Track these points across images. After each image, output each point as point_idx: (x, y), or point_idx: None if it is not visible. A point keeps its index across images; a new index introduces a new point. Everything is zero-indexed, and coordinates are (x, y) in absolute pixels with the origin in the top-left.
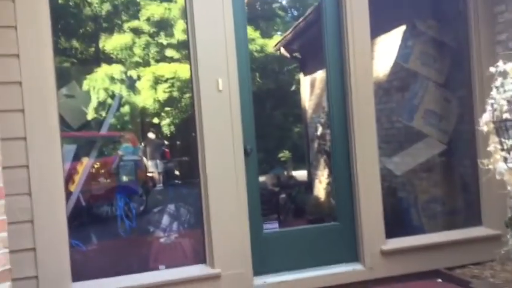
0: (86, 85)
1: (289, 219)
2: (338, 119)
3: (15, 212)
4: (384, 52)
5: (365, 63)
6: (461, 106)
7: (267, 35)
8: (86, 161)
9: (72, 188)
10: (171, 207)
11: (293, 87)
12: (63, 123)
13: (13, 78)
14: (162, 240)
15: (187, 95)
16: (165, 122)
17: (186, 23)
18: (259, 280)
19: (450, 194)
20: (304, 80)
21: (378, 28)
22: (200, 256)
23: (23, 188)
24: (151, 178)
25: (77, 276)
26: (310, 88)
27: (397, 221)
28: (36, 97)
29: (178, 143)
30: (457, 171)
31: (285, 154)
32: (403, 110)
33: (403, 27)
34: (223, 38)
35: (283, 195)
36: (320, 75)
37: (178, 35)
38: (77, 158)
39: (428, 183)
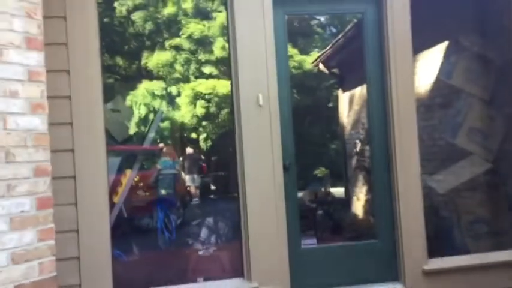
0: (128, 100)
1: (327, 236)
2: (378, 135)
3: (61, 221)
4: (426, 68)
5: (407, 80)
6: (506, 124)
7: (304, 51)
8: (129, 173)
9: (116, 199)
10: (210, 220)
11: (331, 104)
12: (108, 137)
13: (63, 92)
14: (200, 252)
15: (225, 111)
16: (203, 136)
17: (228, 39)
18: None
19: (495, 213)
20: (343, 96)
21: (420, 44)
22: (238, 270)
23: (70, 199)
24: (189, 192)
25: (118, 286)
26: (348, 104)
27: (440, 241)
28: (84, 111)
29: (215, 157)
30: (503, 190)
31: (322, 170)
32: (446, 128)
33: (446, 43)
34: (264, 53)
35: (320, 212)
36: (359, 91)
37: (217, 52)
38: (120, 170)
39: (472, 202)
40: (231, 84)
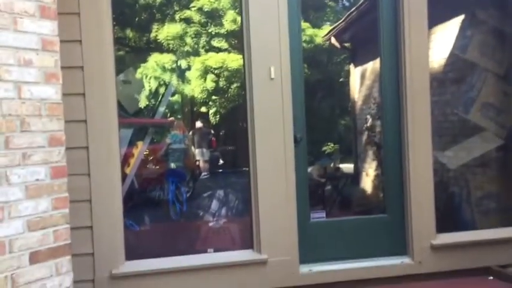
0: (138, 73)
1: (336, 211)
2: (391, 110)
3: (74, 191)
4: (441, 42)
5: (421, 54)
6: None
7: (316, 25)
8: (140, 145)
9: (128, 170)
10: (220, 193)
11: (342, 78)
12: (120, 109)
13: (75, 63)
14: (210, 224)
15: (235, 85)
16: (213, 111)
17: (240, 11)
18: (305, 268)
19: (506, 190)
20: (355, 71)
21: (436, 17)
22: (247, 242)
23: (83, 169)
24: (198, 166)
25: (130, 254)
26: (360, 79)
27: (449, 216)
28: (97, 82)
29: (225, 132)
30: None
31: (332, 146)
32: (459, 103)
33: (461, 17)
34: (277, 26)
35: (329, 187)
36: (371, 66)
37: (228, 25)
38: (132, 142)
39: (482, 178)
40: (243, 56)
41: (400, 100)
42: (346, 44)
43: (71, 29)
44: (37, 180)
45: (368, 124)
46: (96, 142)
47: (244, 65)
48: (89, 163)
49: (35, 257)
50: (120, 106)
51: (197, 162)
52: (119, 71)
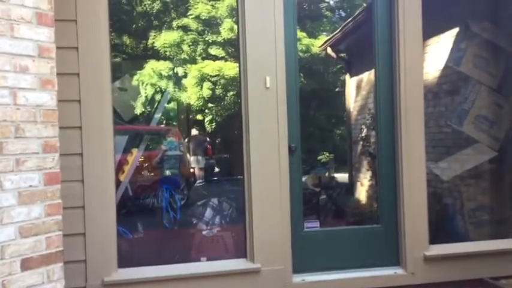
0: (135, 80)
1: (330, 220)
2: (385, 121)
3: (68, 197)
4: (435, 54)
5: (416, 65)
6: None
7: (313, 35)
8: (135, 152)
9: (122, 177)
10: (214, 201)
11: (338, 88)
12: (116, 115)
13: (71, 70)
14: (204, 233)
15: (231, 93)
16: (209, 118)
17: (237, 20)
18: (298, 278)
19: (498, 202)
20: (350, 81)
21: (430, 29)
22: (241, 251)
23: (77, 175)
24: (193, 173)
25: (123, 262)
26: (355, 89)
27: (442, 227)
28: (92, 89)
29: (221, 140)
30: (507, 179)
31: (326, 155)
32: (452, 114)
33: (456, 29)
34: (273, 36)
35: (323, 196)
36: (367, 76)
37: (225, 33)
38: (127, 149)
39: (475, 190)
40: (239, 65)
41: (395, 111)
42: (342, 54)
43: (68, 36)
44: (30, 186)
45: (363, 134)
46: (91, 149)
47: (240, 74)
48: (83, 170)
49: (27, 264)
50: (116, 113)
51: (192, 170)
52: (115, 77)
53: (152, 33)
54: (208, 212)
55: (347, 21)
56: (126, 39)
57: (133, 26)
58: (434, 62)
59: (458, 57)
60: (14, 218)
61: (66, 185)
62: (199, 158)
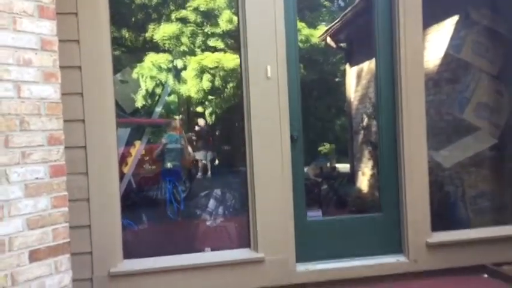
0: (135, 73)
1: (332, 210)
2: (386, 110)
3: (73, 190)
4: (436, 42)
5: (416, 53)
6: None
7: (312, 25)
8: (138, 144)
9: (126, 169)
10: (217, 192)
11: (338, 78)
12: (118, 108)
13: (73, 63)
14: (208, 223)
15: (231, 84)
16: (209, 110)
17: (237, 11)
18: (302, 266)
19: (499, 189)
20: (350, 71)
21: (430, 17)
22: (245, 241)
23: (81, 168)
24: (196, 165)
25: (128, 253)
26: (356, 79)
27: (444, 215)
28: (94, 81)
29: (222, 131)
30: (508, 166)
31: (327, 146)
32: (453, 102)
33: (456, 17)
34: (273, 25)
35: (325, 186)
36: (367, 65)
37: (224, 25)
38: (129, 141)
39: (477, 177)
40: (240, 56)
41: (396, 99)
42: (342, 44)
43: (69, 29)
44: (36, 178)
45: (364, 124)
46: (94, 141)
47: (240, 64)
48: (87, 162)
49: (35, 255)
50: (118, 105)
51: (194, 162)
52: (116, 70)
53: (151, 26)
54: (212, 203)
55: (346, 11)
56: (125, 33)
57: (133, 19)
58: (434, 50)
59: (458, 45)
60: (21, 210)
61: (71, 178)
62: (201, 150)
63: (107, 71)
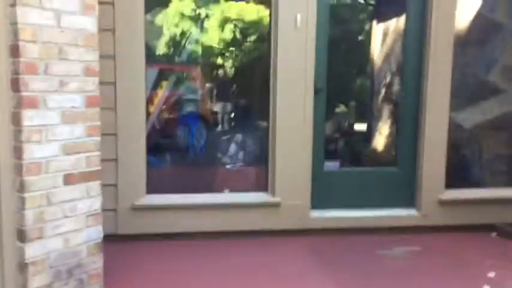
0: (159, 19)
1: (348, 164)
2: (412, 68)
3: (102, 124)
4: (468, 1)
5: (448, 13)
6: None
7: None
8: (165, 84)
9: (152, 109)
10: (238, 137)
11: (364, 35)
12: (146, 49)
13: None
14: (228, 167)
15: (256, 36)
16: (232, 61)
17: None
18: (316, 213)
19: None
20: (377, 28)
21: None
22: (262, 185)
23: (109, 103)
24: (216, 113)
25: (151, 189)
26: (382, 37)
27: (459, 174)
28: (126, 18)
29: (245, 82)
30: None
31: (348, 103)
32: (480, 63)
33: None
34: None
35: (342, 142)
36: (395, 23)
37: None
38: (158, 82)
39: (495, 139)
40: (270, 3)
41: (422, 58)
42: (371, 1)
43: None
44: (73, 107)
45: (386, 81)
46: (124, 78)
47: (270, 12)
48: (116, 98)
49: (69, 179)
50: (147, 46)
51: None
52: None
53: None
54: (233, 148)
55: None
56: None
57: None
58: (466, 9)
59: (493, 5)
60: (58, 135)
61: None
62: (223, 100)
63: (138, 9)
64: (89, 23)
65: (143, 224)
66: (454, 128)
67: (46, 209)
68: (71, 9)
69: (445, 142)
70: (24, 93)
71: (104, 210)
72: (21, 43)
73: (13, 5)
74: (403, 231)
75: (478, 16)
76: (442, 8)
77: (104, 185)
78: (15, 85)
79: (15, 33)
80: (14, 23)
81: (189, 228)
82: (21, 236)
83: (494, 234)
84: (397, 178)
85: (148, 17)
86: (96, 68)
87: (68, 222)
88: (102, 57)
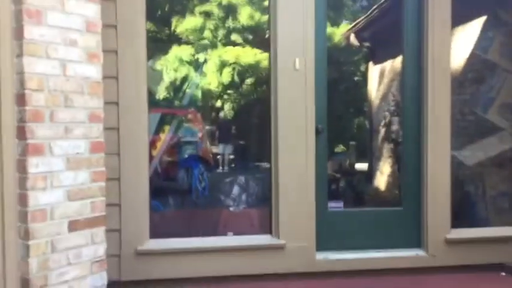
0: (159, 65)
1: (351, 204)
2: (411, 107)
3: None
4: (463, 42)
5: (444, 52)
6: None
7: (335, 23)
8: (167, 129)
9: (154, 153)
10: (241, 179)
11: (360, 76)
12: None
13: (110, 47)
14: (231, 209)
15: (254, 78)
16: (231, 104)
17: (268, 4)
18: (322, 255)
19: None
20: (373, 69)
21: (458, 17)
22: (266, 227)
23: (113, 149)
24: (216, 156)
25: (154, 233)
26: (378, 77)
27: (464, 212)
28: (129, 65)
29: (245, 124)
30: None
31: (347, 143)
32: (478, 102)
33: (484, 17)
34: (302, 18)
35: (345, 182)
36: (390, 64)
37: (243, 20)
38: (160, 126)
39: (498, 177)
40: (269, 48)
41: (421, 97)
42: (366, 43)
43: (108, 14)
44: (77, 153)
45: (386, 121)
46: (127, 124)
47: (270, 55)
48: (119, 143)
49: (73, 226)
50: (149, 92)
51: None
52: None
53: (175, 19)
54: (235, 191)
55: (372, 9)
56: (150, 26)
57: (159, 12)
58: (461, 49)
59: (486, 45)
60: (63, 181)
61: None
62: (225, 142)
63: (141, 56)
64: (94, 71)
65: (147, 270)
66: (456, 166)
67: (50, 256)
68: (76, 58)
69: (449, 180)
70: (30, 141)
71: (108, 255)
72: (27, 92)
73: (19, 55)
74: (410, 272)
75: (473, 56)
76: (437, 47)
77: (107, 230)
78: (21, 133)
79: (21, 82)
80: (21, 73)
81: (193, 273)
82: (25, 285)
83: (503, 273)
84: (402, 218)
85: (150, 63)
86: (101, 114)
87: (72, 269)
88: (106, 103)
